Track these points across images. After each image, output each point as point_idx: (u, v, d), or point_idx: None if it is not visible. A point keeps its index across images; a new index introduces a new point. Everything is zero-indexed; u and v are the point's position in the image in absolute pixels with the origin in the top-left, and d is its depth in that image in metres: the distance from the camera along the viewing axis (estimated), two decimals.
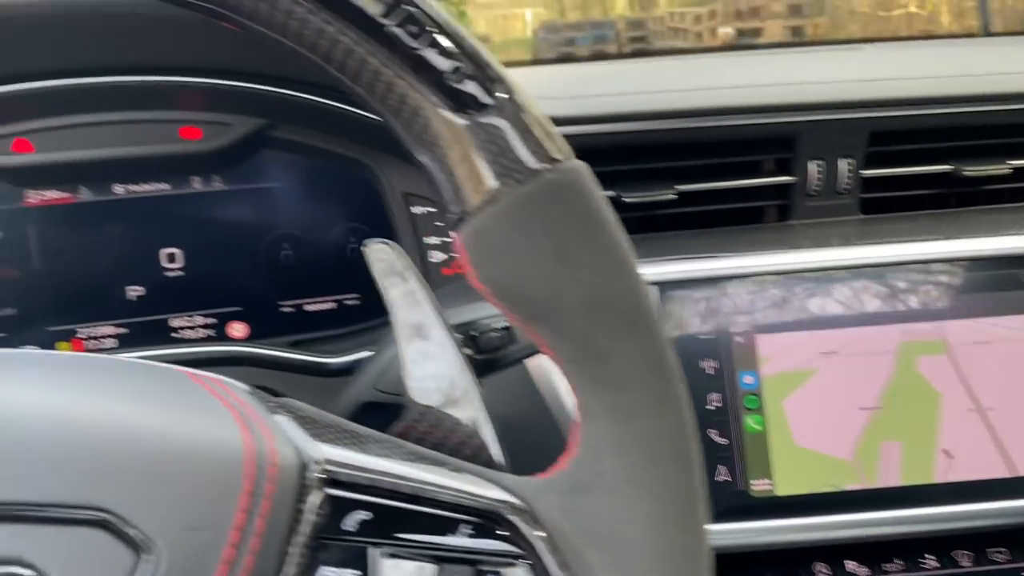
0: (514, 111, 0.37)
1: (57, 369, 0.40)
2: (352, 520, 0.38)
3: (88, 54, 0.79)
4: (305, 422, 0.41)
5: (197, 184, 0.89)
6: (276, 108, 0.84)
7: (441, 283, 0.91)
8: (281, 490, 0.36)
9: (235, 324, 0.91)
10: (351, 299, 0.94)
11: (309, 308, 0.93)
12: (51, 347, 0.88)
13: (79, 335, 0.88)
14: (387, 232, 0.92)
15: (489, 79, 0.37)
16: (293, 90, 0.82)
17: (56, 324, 0.88)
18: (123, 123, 0.82)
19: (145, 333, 0.89)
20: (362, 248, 0.51)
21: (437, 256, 0.92)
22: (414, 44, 0.36)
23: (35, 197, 0.86)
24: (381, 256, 0.50)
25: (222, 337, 0.90)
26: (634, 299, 0.37)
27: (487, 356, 0.57)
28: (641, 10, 2.22)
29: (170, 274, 0.89)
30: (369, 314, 0.94)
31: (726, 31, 2.01)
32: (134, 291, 0.89)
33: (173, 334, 0.90)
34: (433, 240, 0.91)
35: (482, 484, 0.39)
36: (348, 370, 0.84)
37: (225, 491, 0.35)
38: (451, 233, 0.39)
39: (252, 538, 0.35)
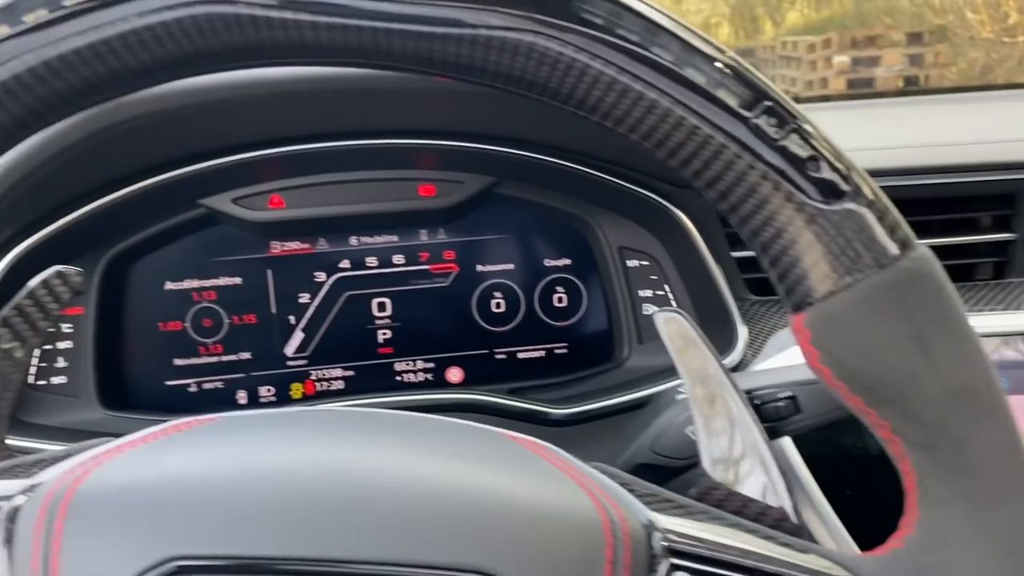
0: (869, 197, 0.38)
1: (403, 429, 0.43)
2: None
3: (336, 121, 0.85)
4: (628, 488, 0.43)
5: (423, 236, 0.94)
6: (504, 166, 0.88)
7: (653, 336, 0.93)
8: (636, 560, 0.38)
9: (453, 369, 0.96)
10: (560, 348, 0.97)
11: (521, 356, 0.96)
12: (287, 388, 0.94)
13: (312, 377, 0.94)
14: (599, 284, 0.95)
15: (844, 166, 0.39)
16: (520, 149, 0.86)
17: (289, 367, 0.94)
18: (365, 181, 0.88)
19: (371, 376, 0.94)
20: (653, 316, 0.53)
21: (649, 309, 0.93)
22: (777, 135, 0.38)
23: (278, 247, 0.92)
24: (673, 324, 0.52)
25: (441, 382, 0.95)
26: (991, 385, 0.38)
27: (769, 425, 0.58)
28: (747, 38, 2.19)
29: (391, 320, 0.94)
30: (576, 364, 0.97)
31: (842, 60, 1.97)
32: (359, 336, 0.94)
33: (397, 378, 0.95)
34: (646, 293, 0.93)
35: (823, 562, 0.40)
36: (571, 421, 0.87)
37: (592, 559, 0.37)
38: (792, 316, 0.40)
39: None
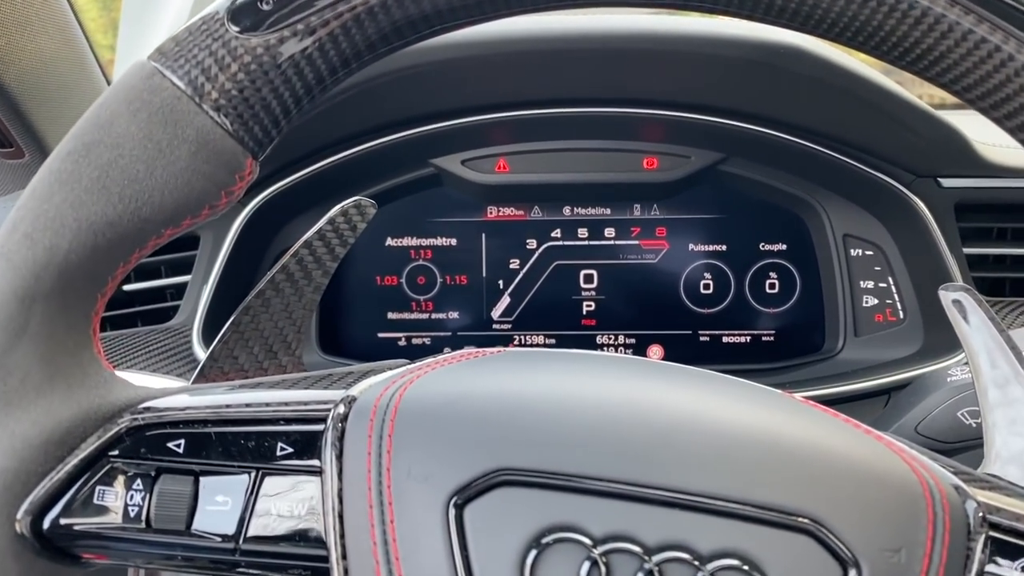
0: None
1: (705, 377, 0.43)
2: (1017, 565, 0.37)
3: (566, 87, 0.86)
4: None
5: (637, 210, 0.93)
6: (732, 142, 0.87)
7: (872, 329, 0.89)
8: (955, 525, 0.37)
9: (654, 347, 0.95)
10: (767, 335, 0.94)
11: (726, 340, 0.94)
12: None
13: (515, 341, 0.96)
14: (815, 271, 0.92)
15: None
16: (752, 124, 0.84)
17: (494, 330, 0.95)
18: (591, 151, 0.89)
19: (572, 346, 0.94)
20: (939, 292, 0.50)
21: (870, 301, 0.90)
22: None
23: (494, 212, 0.94)
24: (964, 303, 0.49)
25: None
26: None
27: None
28: None
29: (596, 292, 0.94)
30: (783, 352, 0.94)
31: None
32: (564, 305, 0.95)
33: (597, 351, 0.95)
34: (867, 284, 0.89)
35: None
36: None
37: (913, 518, 0.36)
38: None
39: (938, 568, 0.35)
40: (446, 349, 0.96)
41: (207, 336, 0.84)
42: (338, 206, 0.51)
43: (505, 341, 0.96)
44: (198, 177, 0.38)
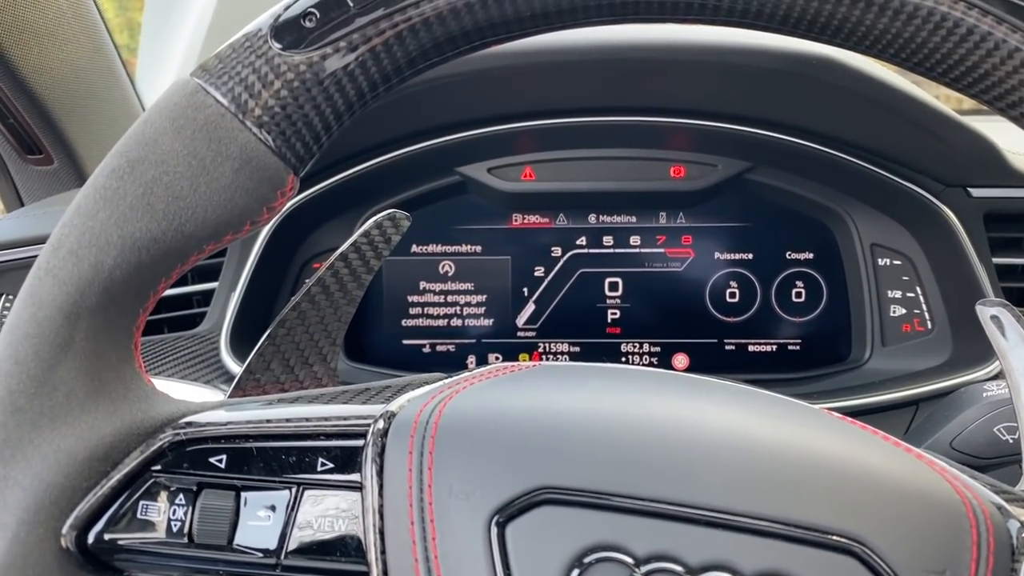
0: None
1: (767, 401, 0.43)
2: None
3: (593, 96, 0.86)
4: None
5: (663, 219, 0.93)
6: (759, 151, 0.86)
7: (899, 339, 0.89)
8: (999, 547, 0.36)
9: (679, 355, 0.95)
10: (793, 344, 0.94)
11: (752, 349, 0.94)
12: (515, 357, 0.96)
13: (539, 349, 0.96)
14: (842, 281, 0.91)
15: None
16: (777, 132, 0.84)
17: (519, 337, 0.95)
18: (618, 159, 0.89)
19: (597, 354, 0.94)
20: (977, 308, 0.49)
21: (897, 311, 0.89)
22: None
23: (519, 220, 0.94)
24: (1002, 318, 0.49)
25: (666, 367, 0.94)
26: None
27: None
28: None
29: (621, 300, 0.94)
30: (809, 362, 0.93)
31: None
32: (589, 313, 0.95)
33: (622, 358, 0.95)
34: (895, 294, 0.89)
35: None
36: None
37: (957, 539, 0.36)
38: None
39: None
40: (470, 356, 0.97)
41: (235, 343, 0.85)
42: (372, 219, 0.51)
43: (529, 348, 0.96)
44: (241, 193, 0.38)
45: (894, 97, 0.75)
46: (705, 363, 0.94)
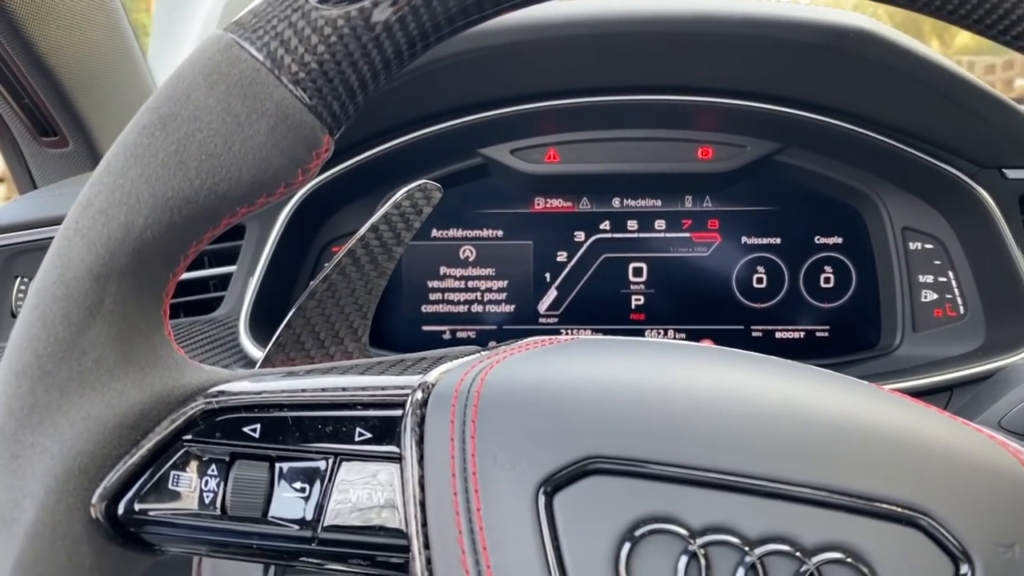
0: None
1: (818, 374, 0.41)
2: None
3: (619, 74, 0.84)
4: None
5: (688, 202, 0.91)
6: (788, 131, 0.85)
7: (931, 324, 0.87)
8: None
9: (705, 342, 0.93)
10: (821, 330, 0.92)
11: (779, 335, 0.92)
12: None
13: (562, 335, 0.94)
14: (871, 265, 0.90)
15: None
16: (809, 112, 0.82)
17: (540, 323, 0.94)
18: (644, 140, 0.87)
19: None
20: None
21: (929, 296, 0.87)
22: None
23: (541, 204, 0.93)
24: None
25: None
26: None
27: None
28: None
29: (645, 286, 0.93)
30: (838, 348, 0.92)
31: None
32: (612, 299, 0.93)
33: None
34: (927, 279, 0.87)
35: None
36: None
37: (1022, 511, 0.34)
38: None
39: None
40: (491, 343, 0.95)
41: (254, 327, 0.83)
42: (403, 190, 0.50)
43: (551, 335, 0.94)
44: (276, 152, 0.36)
45: (933, 72, 0.73)
46: None
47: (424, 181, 0.50)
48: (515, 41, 0.78)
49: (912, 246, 0.87)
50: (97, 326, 0.35)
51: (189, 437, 0.37)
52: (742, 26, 0.73)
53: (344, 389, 0.38)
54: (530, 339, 0.43)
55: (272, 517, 0.36)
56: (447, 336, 0.95)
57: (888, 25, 0.76)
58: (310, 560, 0.37)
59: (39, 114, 0.92)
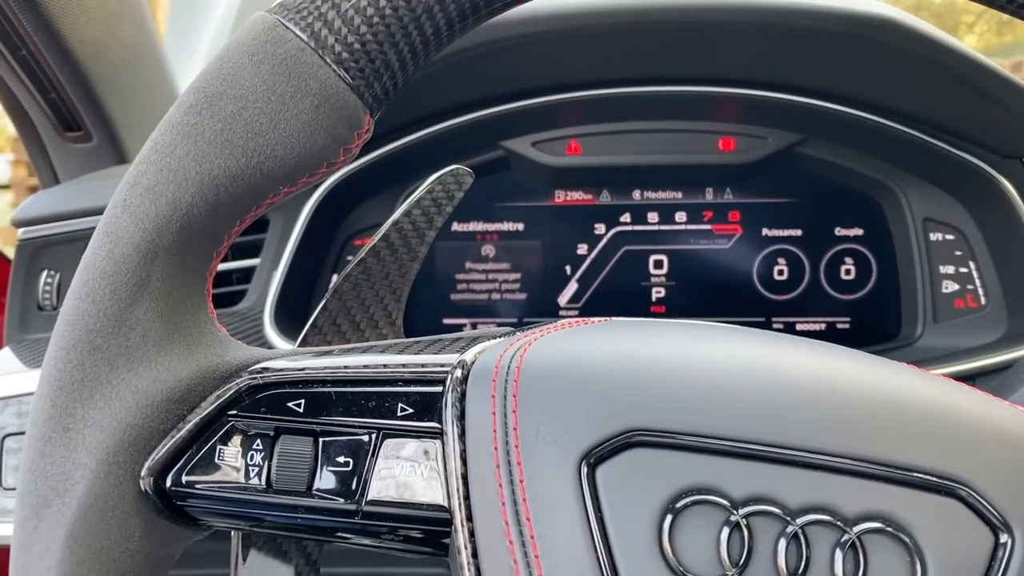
0: None
1: (852, 352, 0.41)
2: None
3: (639, 66, 0.84)
4: None
5: (709, 194, 0.92)
6: (810, 122, 0.85)
7: (952, 315, 0.87)
8: None
9: None
10: (842, 322, 0.92)
11: (800, 327, 0.92)
12: None
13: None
14: (892, 257, 0.90)
15: None
16: (831, 103, 0.82)
17: (561, 316, 0.94)
18: (665, 132, 0.87)
19: None
20: None
21: (950, 287, 0.87)
22: None
23: (561, 196, 0.93)
24: None
25: None
26: None
27: None
28: None
29: (666, 278, 0.93)
30: (859, 340, 0.92)
31: None
32: (633, 291, 0.94)
33: None
34: (948, 269, 0.87)
35: None
36: None
37: None
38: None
39: None
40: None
41: (279, 320, 0.84)
42: (435, 175, 0.50)
43: None
44: (320, 132, 0.37)
45: (957, 61, 0.73)
46: None
47: (455, 166, 0.50)
48: (537, 32, 0.78)
49: (933, 237, 0.87)
50: (144, 302, 0.36)
51: (234, 412, 0.37)
52: (764, 15, 0.74)
53: (385, 366, 0.38)
54: (565, 319, 0.43)
55: (317, 491, 0.37)
56: (468, 328, 0.95)
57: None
58: (352, 535, 0.37)
59: (64, 108, 0.92)
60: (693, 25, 0.78)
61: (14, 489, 0.76)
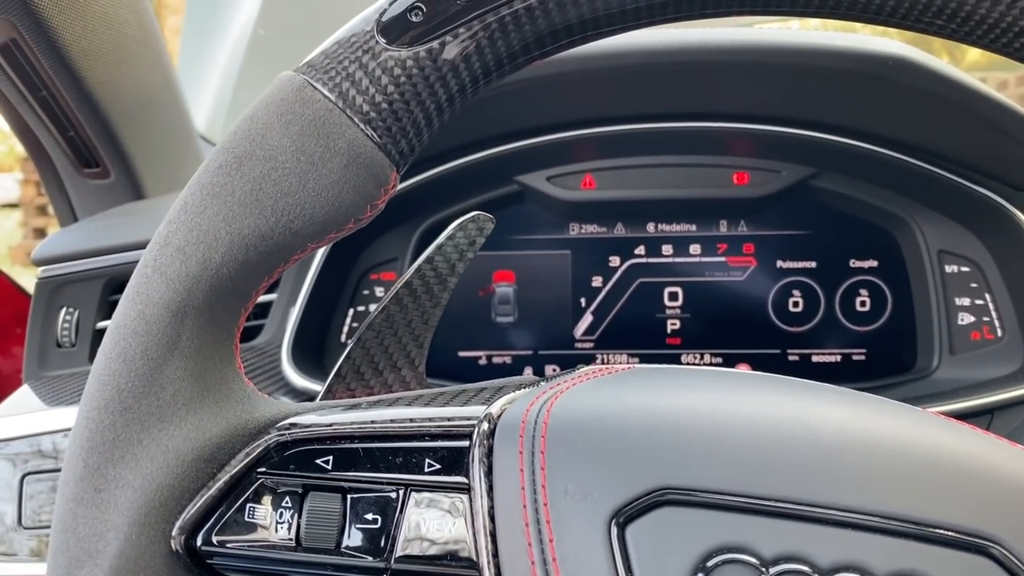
0: None
1: (877, 402, 0.41)
2: None
3: (654, 102, 0.85)
4: None
5: (723, 227, 0.92)
6: (824, 156, 0.85)
7: (968, 347, 0.87)
8: None
9: (741, 367, 0.93)
10: (858, 354, 0.92)
11: (816, 359, 0.92)
12: (572, 369, 0.94)
13: (598, 360, 0.94)
14: (907, 288, 0.90)
15: None
16: (844, 137, 0.83)
17: (576, 348, 0.94)
18: (679, 166, 0.88)
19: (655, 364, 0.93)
20: None
21: (966, 319, 0.87)
22: None
23: (576, 229, 0.94)
24: None
25: None
26: None
27: None
28: None
29: (681, 310, 0.93)
30: (874, 372, 0.92)
31: None
32: (648, 323, 0.94)
33: None
34: (963, 301, 0.87)
35: None
36: None
37: None
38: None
39: None
40: (527, 368, 0.96)
41: (296, 355, 0.84)
42: (457, 222, 0.51)
43: (587, 360, 0.94)
44: (348, 190, 0.37)
45: (971, 97, 0.74)
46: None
47: (477, 213, 0.51)
48: (553, 72, 0.79)
49: (948, 269, 0.87)
50: (175, 361, 0.36)
51: (263, 469, 0.38)
52: (779, 55, 0.74)
53: (412, 420, 0.38)
54: (588, 368, 0.43)
55: (346, 548, 0.37)
56: (483, 362, 0.95)
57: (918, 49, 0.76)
58: None
59: (83, 146, 0.93)
60: (707, 66, 0.79)
61: (33, 529, 0.76)
